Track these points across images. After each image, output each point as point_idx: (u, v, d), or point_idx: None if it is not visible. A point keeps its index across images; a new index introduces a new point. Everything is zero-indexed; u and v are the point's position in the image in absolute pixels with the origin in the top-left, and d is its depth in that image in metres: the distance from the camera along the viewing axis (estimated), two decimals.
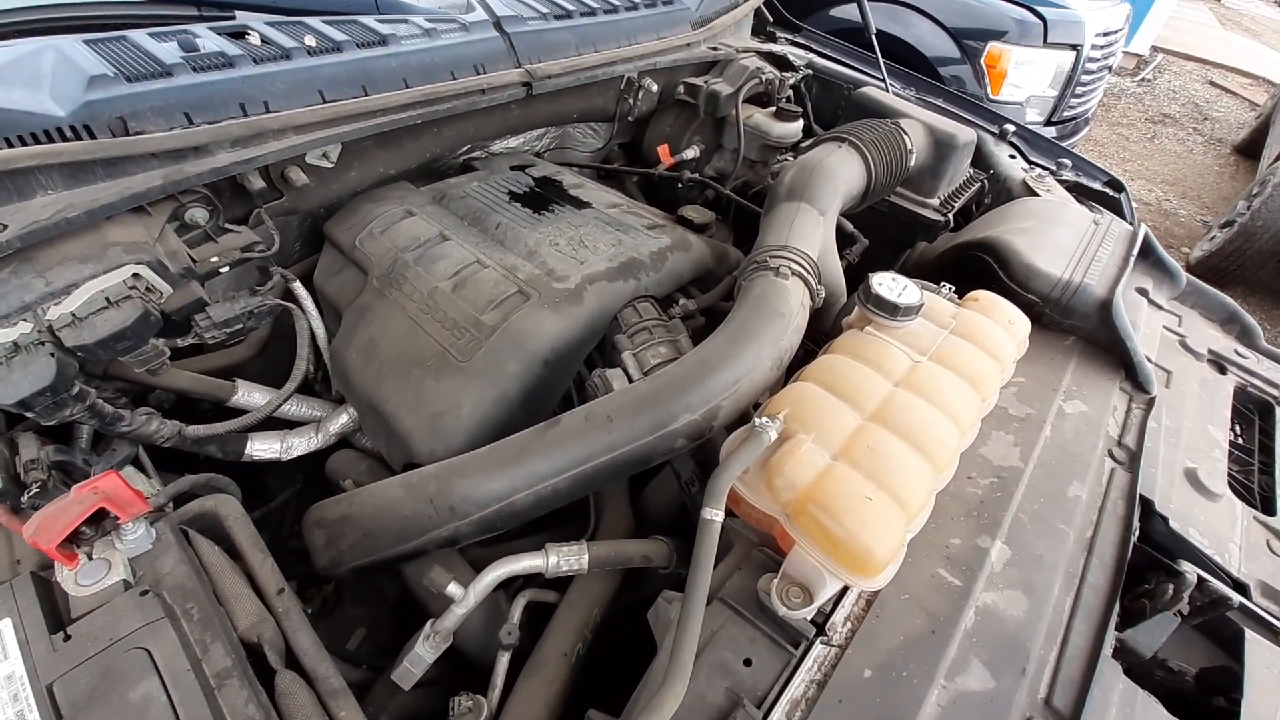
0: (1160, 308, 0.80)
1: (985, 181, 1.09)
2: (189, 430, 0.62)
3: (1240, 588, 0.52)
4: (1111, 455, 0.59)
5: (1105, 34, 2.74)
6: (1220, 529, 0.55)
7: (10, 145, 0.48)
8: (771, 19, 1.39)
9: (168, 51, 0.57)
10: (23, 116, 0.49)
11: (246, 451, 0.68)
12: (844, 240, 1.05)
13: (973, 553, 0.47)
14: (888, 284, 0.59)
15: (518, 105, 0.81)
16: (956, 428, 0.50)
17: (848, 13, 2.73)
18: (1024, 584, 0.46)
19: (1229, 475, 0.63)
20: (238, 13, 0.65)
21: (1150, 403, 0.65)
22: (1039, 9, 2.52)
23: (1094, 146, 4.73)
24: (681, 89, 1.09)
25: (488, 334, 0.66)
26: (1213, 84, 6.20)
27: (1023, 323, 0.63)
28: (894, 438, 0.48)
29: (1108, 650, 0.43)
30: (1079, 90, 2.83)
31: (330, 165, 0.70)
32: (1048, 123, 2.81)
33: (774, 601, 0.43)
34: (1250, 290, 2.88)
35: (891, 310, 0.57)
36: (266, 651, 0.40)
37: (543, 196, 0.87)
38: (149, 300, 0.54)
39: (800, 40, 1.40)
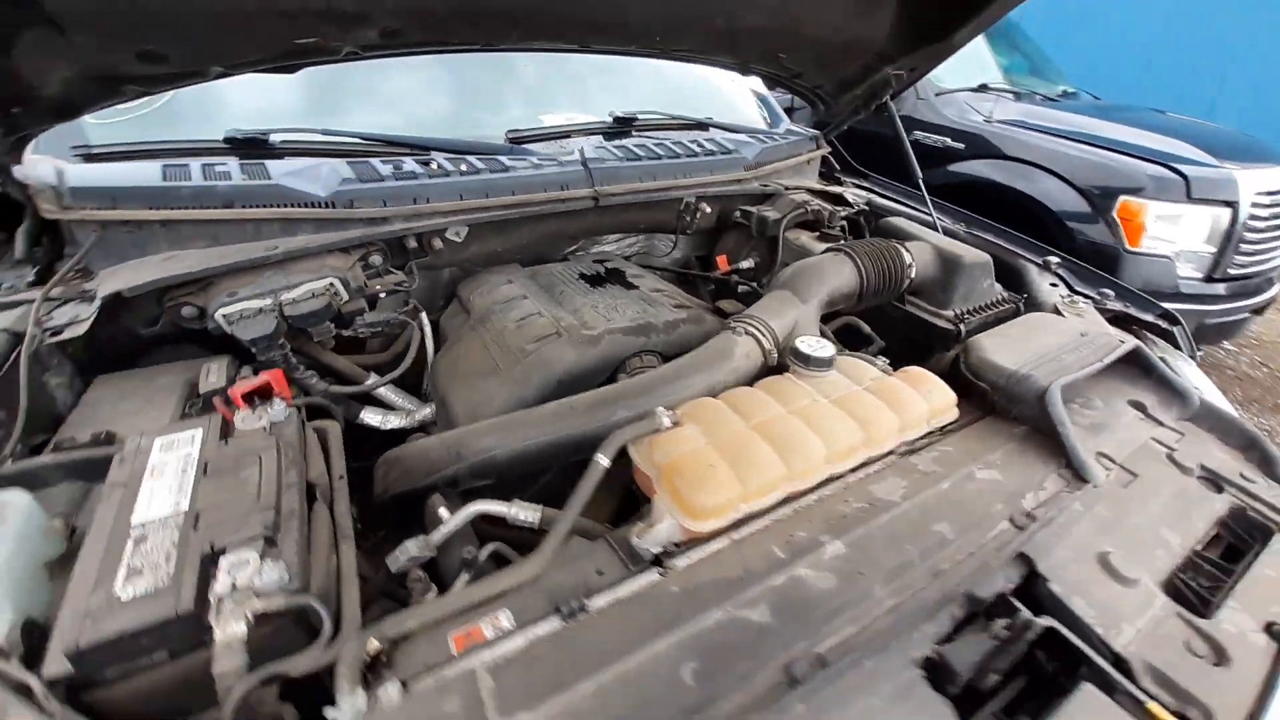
0: (1159, 423, 0.79)
1: (1020, 304, 1.15)
2: (332, 388, 0.95)
3: (1119, 662, 0.51)
4: (1011, 520, 0.62)
5: (1272, 193, 2.55)
6: (1119, 609, 0.55)
7: (293, 207, 0.90)
8: (839, 167, 1.65)
9: (385, 169, 0.99)
10: (303, 194, 0.91)
11: (360, 416, 1.00)
12: (862, 339, 1.18)
13: (810, 543, 0.56)
14: (809, 342, 0.74)
15: (592, 213, 1.14)
16: (825, 447, 0.61)
17: (973, 169, 2.92)
18: (843, 573, 0.53)
19: (1176, 577, 0.61)
20: (432, 151, 1.09)
21: (1084, 491, 0.66)
22: (1180, 166, 2.46)
23: None
24: (738, 214, 1.36)
25: (525, 357, 0.92)
26: None
27: (943, 393, 0.71)
28: (761, 440, 0.61)
29: (907, 646, 0.49)
30: (1246, 248, 2.59)
31: (459, 240, 1.06)
32: (1209, 279, 2.58)
33: (631, 535, 0.57)
34: None
35: (804, 360, 0.71)
36: (317, 492, 0.65)
37: (602, 278, 1.16)
38: (334, 300, 0.90)
39: (867, 185, 1.63)
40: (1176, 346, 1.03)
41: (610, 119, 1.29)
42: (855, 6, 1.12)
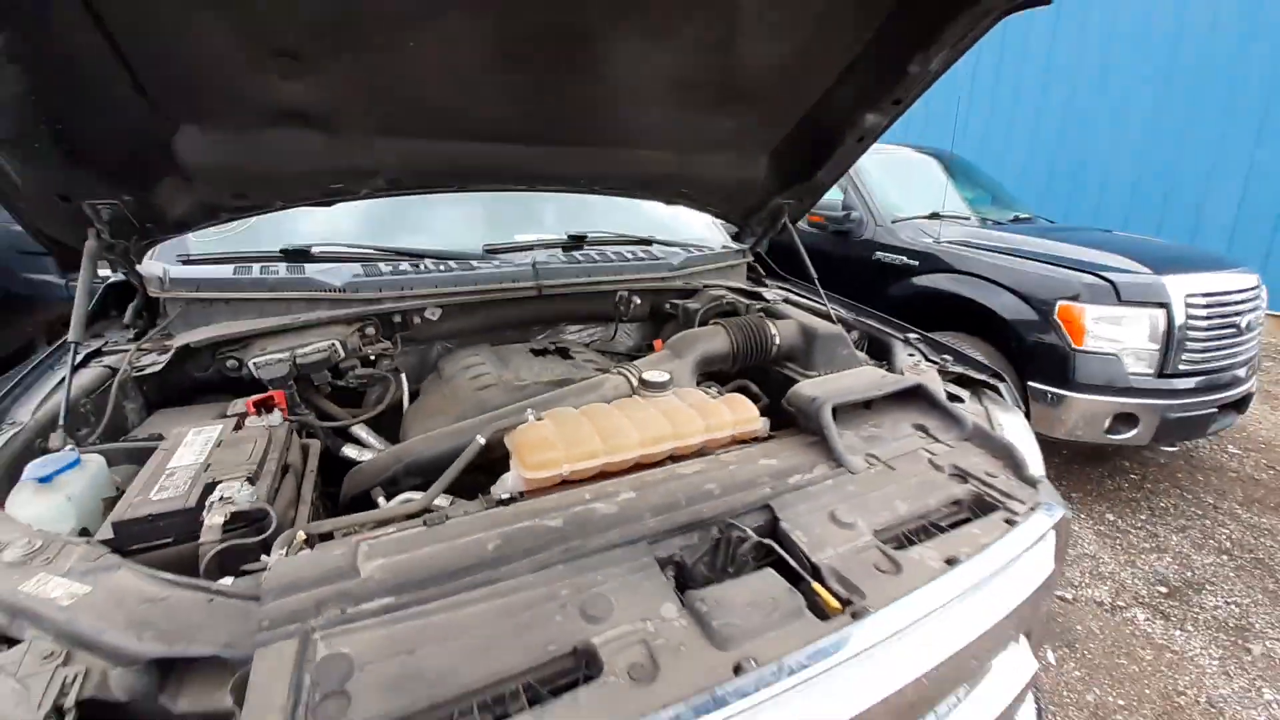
0: (935, 439, 1.00)
1: (884, 367, 1.40)
2: (319, 423, 1.26)
3: (814, 569, 0.71)
4: (771, 488, 0.83)
5: (1213, 294, 2.78)
6: (830, 540, 0.74)
7: (316, 292, 1.29)
8: (764, 272, 2.00)
9: (385, 268, 1.39)
10: (324, 284, 1.30)
11: (342, 450, 1.29)
12: (752, 397, 1.42)
13: (610, 491, 0.79)
14: (652, 374, 1.01)
15: (539, 301, 1.50)
16: (639, 434, 0.86)
17: (932, 282, 3.27)
18: (625, 505, 0.76)
19: (896, 531, 0.79)
20: (425, 259, 1.50)
21: (842, 475, 0.87)
22: (1108, 275, 2.75)
23: None
24: (669, 305, 1.70)
25: (468, 400, 1.22)
26: None
27: (747, 409, 0.96)
28: (591, 427, 0.86)
29: (653, 548, 0.70)
30: (1194, 345, 2.78)
31: (435, 319, 1.43)
32: (1161, 374, 2.74)
33: (493, 488, 0.81)
34: None
35: (646, 385, 0.98)
36: (291, 472, 0.93)
37: (548, 351, 1.48)
38: (334, 355, 1.24)
39: (786, 286, 1.97)
40: (1001, 395, 1.24)
41: (566, 236, 1.71)
42: (735, 158, 1.54)
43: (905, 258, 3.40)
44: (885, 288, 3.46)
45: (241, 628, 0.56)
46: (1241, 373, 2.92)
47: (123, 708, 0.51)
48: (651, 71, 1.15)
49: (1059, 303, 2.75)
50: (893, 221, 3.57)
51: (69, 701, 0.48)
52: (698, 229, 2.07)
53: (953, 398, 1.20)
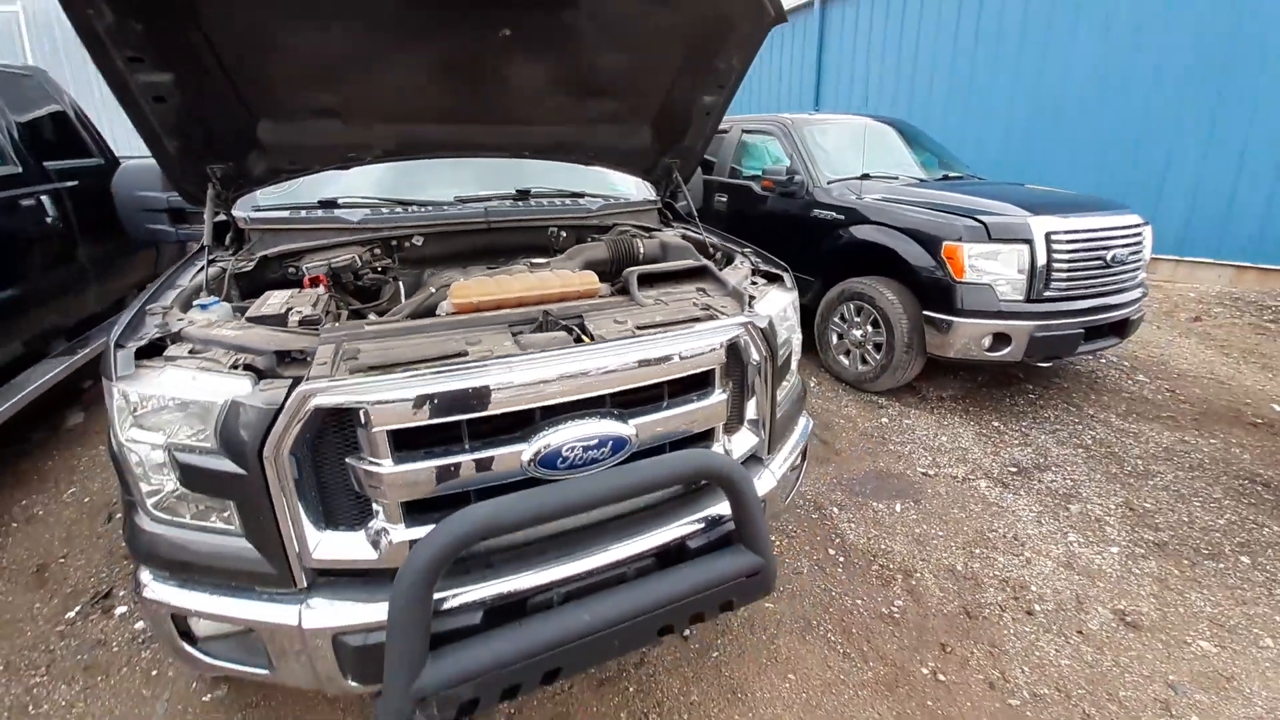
0: (706, 294, 1.64)
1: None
2: (343, 300, 1.98)
3: (587, 332, 1.38)
4: (590, 307, 1.50)
5: (1077, 231, 3.29)
6: (592, 326, 1.41)
7: (342, 225, 2.00)
8: (671, 218, 2.64)
9: (384, 212, 2.10)
10: (346, 221, 2.01)
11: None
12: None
13: (498, 309, 1.47)
14: (536, 260, 1.68)
15: (491, 232, 2.18)
16: (520, 286, 1.53)
17: (857, 233, 3.82)
18: (501, 315, 1.44)
19: (650, 326, 1.45)
20: (413, 205, 2.19)
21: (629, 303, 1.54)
22: (984, 218, 3.30)
23: (1267, 359, 4.54)
24: (591, 238, 2.36)
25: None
26: None
27: (590, 279, 1.62)
28: (493, 282, 1.55)
29: (509, 327, 1.39)
30: (1066, 277, 3.30)
31: (419, 244, 2.12)
32: (1029, 300, 3.28)
33: (438, 311, 1.51)
34: None
35: (531, 265, 1.66)
36: (329, 313, 1.65)
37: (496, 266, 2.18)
38: (353, 264, 1.95)
39: (687, 226, 2.60)
40: (785, 282, 1.86)
41: (515, 190, 2.39)
42: (626, 129, 2.18)
43: (834, 213, 3.97)
44: (822, 241, 4.03)
45: (313, 341, 1.26)
46: (1114, 299, 3.42)
47: (265, 373, 1.21)
48: (553, 75, 1.82)
49: (944, 243, 3.30)
50: (828, 183, 4.13)
51: (241, 365, 1.18)
52: (625, 187, 2.71)
53: (771, 278, 1.83)
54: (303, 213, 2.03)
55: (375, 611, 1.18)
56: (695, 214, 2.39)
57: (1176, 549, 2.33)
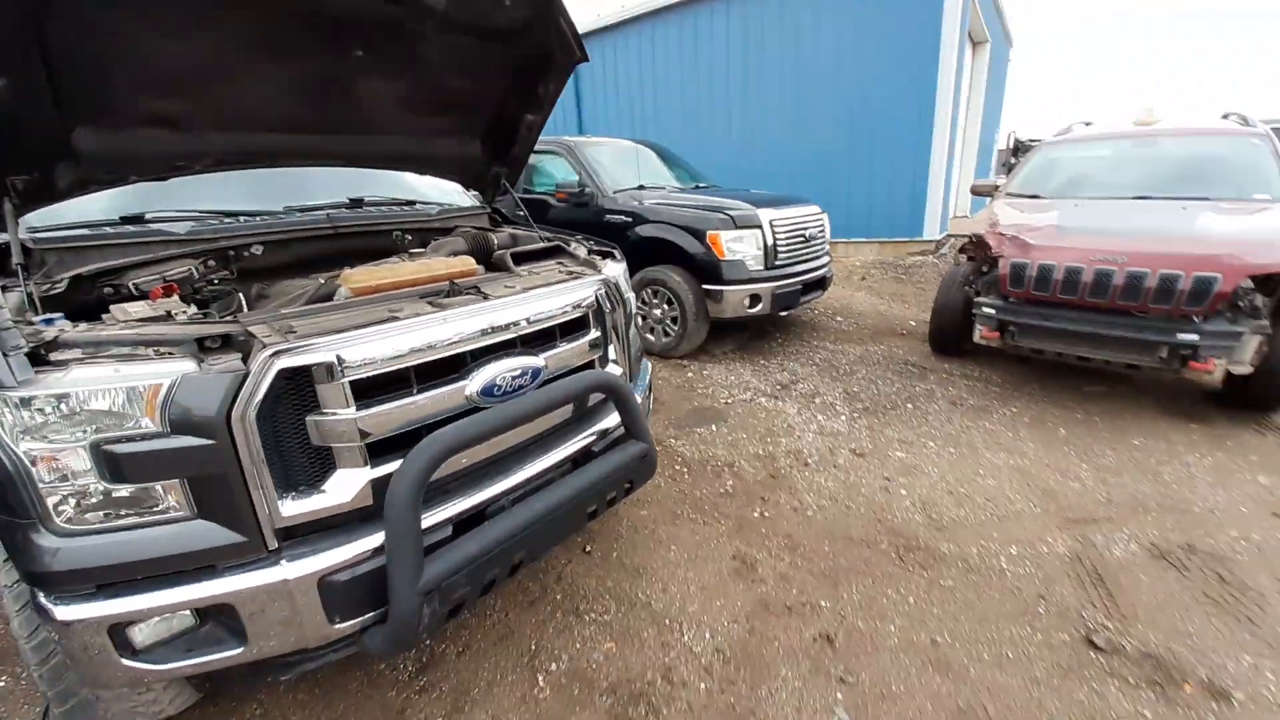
0: (565, 266, 2.10)
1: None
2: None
3: (480, 291, 1.72)
4: (477, 281, 1.83)
5: (787, 218, 4.49)
6: (485, 290, 1.76)
7: (169, 240, 1.91)
8: (500, 220, 3.01)
9: (214, 221, 2.04)
10: (171, 232, 1.92)
11: None
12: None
13: (435, 291, 1.70)
14: (416, 250, 1.93)
15: (334, 239, 2.27)
16: (407, 272, 1.77)
17: (643, 231, 4.57)
18: (396, 295, 1.68)
19: (527, 288, 1.85)
20: (240, 216, 2.15)
21: (506, 276, 1.92)
22: (730, 212, 4.32)
23: (904, 297, 6.37)
24: (435, 240, 2.59)
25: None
26: None
27: (468, 263, 1.93)
28: (383, 270, 1.75)
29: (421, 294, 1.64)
30: (785, 251, 4.46)
31: (258, 253, 2.11)
32: (768, 269, 4.38)
33: (335, 297, 1.66)
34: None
35: (409, 254, 1.91)
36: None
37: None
38: (190, 277, 1.88)
39: (514, 227, 3.00)
40: (616, 257, 2.42)
41: (348, 199, 2.48)
42: (459, 142, 2.50)
43: (624, 216, 4.73)
44: (616, 240, 4.74)
45: (236, 326, 1.34)
46: (815, 264, 4.83)
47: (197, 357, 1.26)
48: (397, 92, 2.06)
49: (708, 233, 4.29)
50: (614, 193, 4.89)
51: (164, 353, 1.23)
52: (453, 196, 2.98)
53: (604, 254, 2.34)
54: (106, 229, 1.88)
55: (354, 549, 1.35)
56: (526, 213, 2.80)
57: (874, 409, 3.58)
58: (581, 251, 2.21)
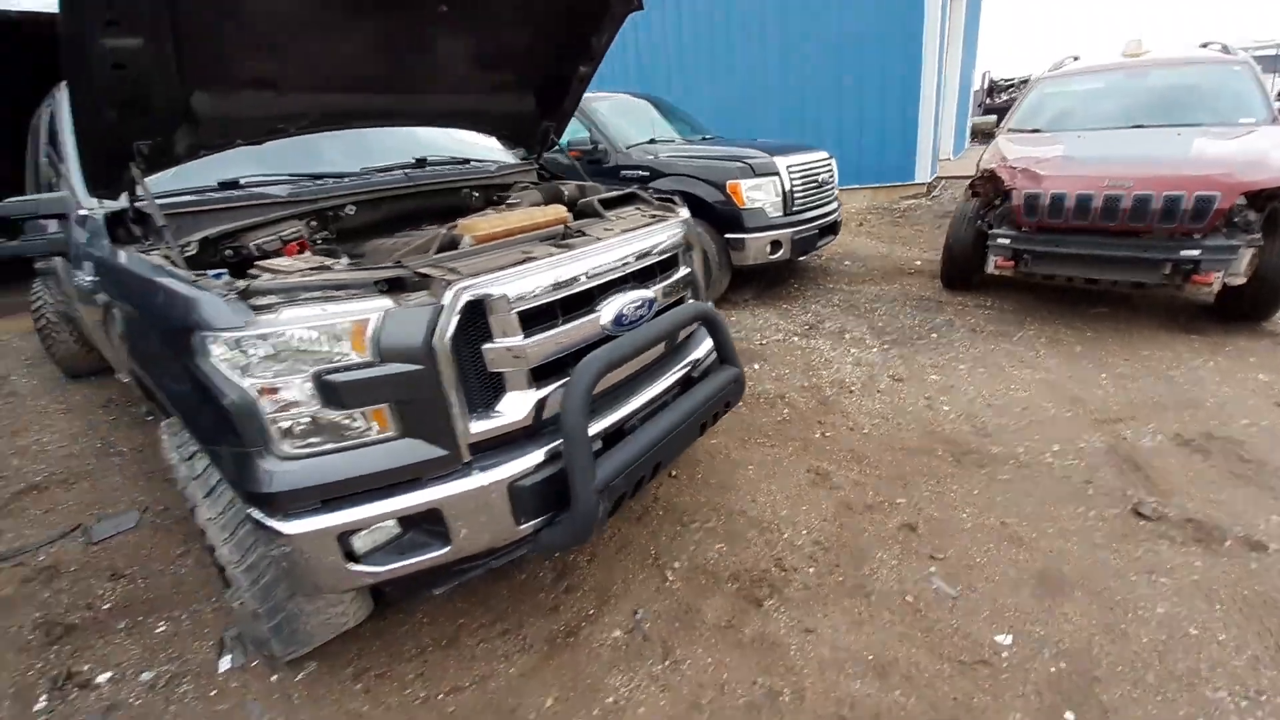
0: (643, 210, 2.22)
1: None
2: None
3: (583, 234, 1.84)
4: (573, 223, 1.95)
5: (800, 165, 4.61)
6: (581, 228, 1.89)
7: (271, 202, 1.97)
8: (549, 175, 3.08)
9: (309, 184, 2.10)
10: (275, 195, 1.97)
11: None
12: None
13: (550, 236, 1.81)
14: (515, 199, 2.03)
15: (415, 197, 2.34)
16: (515, 221, 1.88)
17: (661, 185, 4.65)
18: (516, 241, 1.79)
19: (624, 230, 1.98)
20: (325, 179, 2.21)
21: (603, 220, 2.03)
22: (748, 160, 4.42)
23: (904, 239, 6.57)
24: (496, 196, 2.67)
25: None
26: None
27: (559, 211, 2.04)
28: (497, 218, 1.85)
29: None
30: (801, 197, 4.60)
31: (353, 213, 2.18)
32: (786, 215, 4.52)
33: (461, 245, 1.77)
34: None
35: (507, 206, 2.00)
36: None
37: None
38: (300, 237, 1.95)
39: (563, 179, 3.08)
40: (680, 204, 2.54)
41: (413, 159, 2.54)
42: (516, 97, 2.55)
43: (640, 171, 4.79)
44: None
45: (403, 269, 1.45)
46: (828, 209, 4.99)
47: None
48: (469, 48, 2.11)
49: (728, 182, 4.40)
50: (627, 148, 4.93)
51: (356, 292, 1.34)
52: (496, 152, 3.03)
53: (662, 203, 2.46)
54: (214, 195, 1.94)
55: (528, 460, 1.51)
56: (580, 167, 2.88)
57: (902, 340, 3.82)
58: (652, 198, 2.33)
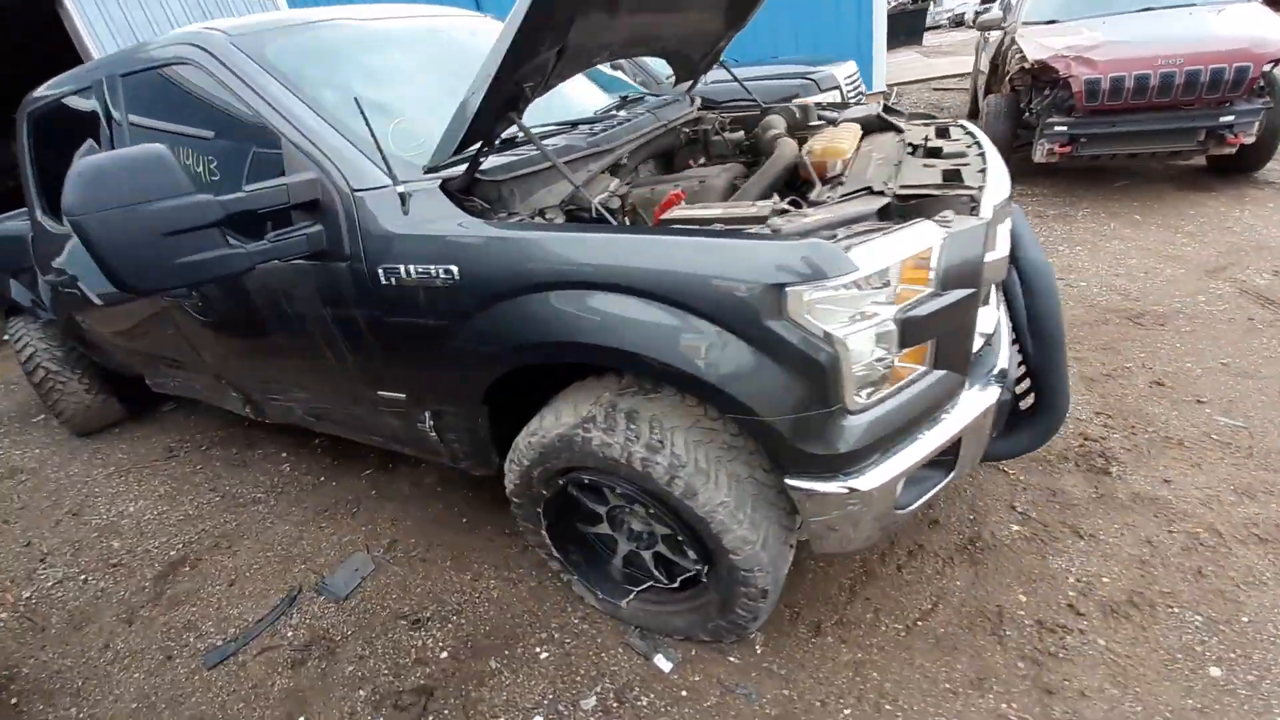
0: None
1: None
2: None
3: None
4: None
5: (849, 76, 4.64)
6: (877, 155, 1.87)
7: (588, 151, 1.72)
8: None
9: (581, 133, 1.85)
10: (583, 145, 1.73)
11: None
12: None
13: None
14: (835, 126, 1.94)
15: (663, 138, 2.14)
16: (837, 141, 1.80)
17: None
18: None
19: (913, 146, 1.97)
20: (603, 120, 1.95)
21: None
22: (809, 76, 4.37)
23: None
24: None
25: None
26: (935, 89, 8.89)
27: (855, 131, 1.97)
28: (828, 137, 1.77)
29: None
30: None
31: (626, 159, 1.96)
32: None
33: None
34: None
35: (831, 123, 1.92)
36: None
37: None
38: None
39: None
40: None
41: (619, 98, 2.28)
42: (714, 14, 2.34)
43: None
44: None
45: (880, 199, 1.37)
46: None
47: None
48: None
49: (795, 99, 4.34)
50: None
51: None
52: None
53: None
54: (535, 155, 1.66)
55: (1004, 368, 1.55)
56: (755, 96, 2.74)
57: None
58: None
